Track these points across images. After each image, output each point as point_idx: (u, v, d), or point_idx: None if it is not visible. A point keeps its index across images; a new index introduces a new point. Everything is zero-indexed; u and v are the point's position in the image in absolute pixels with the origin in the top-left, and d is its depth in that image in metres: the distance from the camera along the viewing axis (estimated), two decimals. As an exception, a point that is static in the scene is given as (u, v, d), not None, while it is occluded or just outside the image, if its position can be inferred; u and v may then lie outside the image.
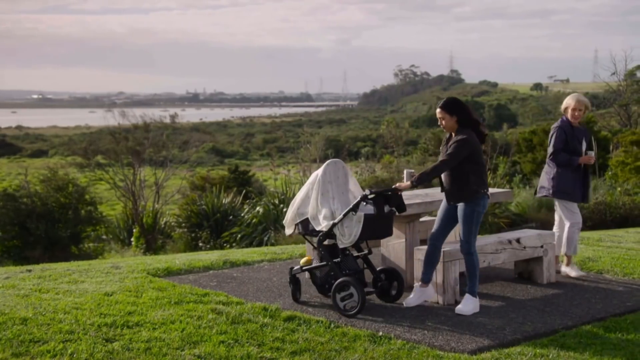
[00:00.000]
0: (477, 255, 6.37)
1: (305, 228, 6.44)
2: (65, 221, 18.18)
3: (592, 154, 7.48)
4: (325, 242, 6.32)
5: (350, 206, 6.18)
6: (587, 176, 7.65)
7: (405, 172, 6.70)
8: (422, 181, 6.23)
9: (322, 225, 6.26)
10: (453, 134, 6.33)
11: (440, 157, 6.35)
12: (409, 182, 6.29)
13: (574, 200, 7.49)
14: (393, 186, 6.31)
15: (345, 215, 6.14)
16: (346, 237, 6.17)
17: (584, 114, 7.52)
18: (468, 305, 6.23)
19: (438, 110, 6.31)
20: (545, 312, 6.31)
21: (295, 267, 6.64)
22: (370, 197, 6.21)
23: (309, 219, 6.35)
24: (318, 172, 6.41)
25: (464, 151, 6.14)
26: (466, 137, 6.17)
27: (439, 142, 27.96)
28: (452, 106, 6.28)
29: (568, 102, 7.56)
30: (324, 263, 6.40)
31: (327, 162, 6.49)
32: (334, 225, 6.18)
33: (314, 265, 6.52)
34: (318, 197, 6.30)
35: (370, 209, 6.25)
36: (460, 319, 6.06)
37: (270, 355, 5.03)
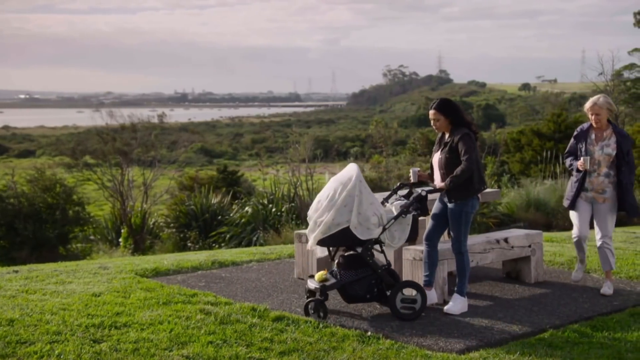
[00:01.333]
0: (468, 255, 6.38)
1: (342, 239, 5.99)
2: (53, 222, 18.09)
3: (584, 159, 6.92)
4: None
5: (403, 208, 6.08)
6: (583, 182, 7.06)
7: (411, 170, 6.62)
8: (456, 184, 6.19)
9: (375, 232, 5.99)
10: (446, 134, 6.35)
11: (438, 156, 6.36)
12: (443, 184, 6.25)
13: (566, 207, 7.21)
14: (438, 187, 6.27)
15: (396, 218, 6.06)
16: (396, 241, 6.07)
17: (603, 116, 6.87)
18: (457, 305, 6.24)
19: (432, 111, 6.32)
20: (533, 311, 6.33)
21: (329, 283, 6.00)
22: (424, 195, 6.18)
23: (351, 228, 5.90)
24: (349, 177, 5.99)
25: (473, 144, 6.22)
26: (468, 131, 6.25)
27: (427, 142, 28.03)
28: (446, 107, 6.31)
29: (585, 106, 7.15)
30: (367, 272, 6.04)
31: (353, 165, 6.19)
32: (384, 230, 6.03)
33: (359, 276, 6.03)
34: (362, 203, 5.93)
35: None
36: (448, 319, 6.07)
37: (259, 356, 5.02)
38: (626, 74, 46.56)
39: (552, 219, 15.23)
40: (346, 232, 5.90)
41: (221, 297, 6.58)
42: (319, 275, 6.06)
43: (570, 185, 7.08)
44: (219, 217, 16.62)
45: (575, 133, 7.09)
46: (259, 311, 6.07)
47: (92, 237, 19.64)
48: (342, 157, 41.26)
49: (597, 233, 6.92)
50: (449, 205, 6.30)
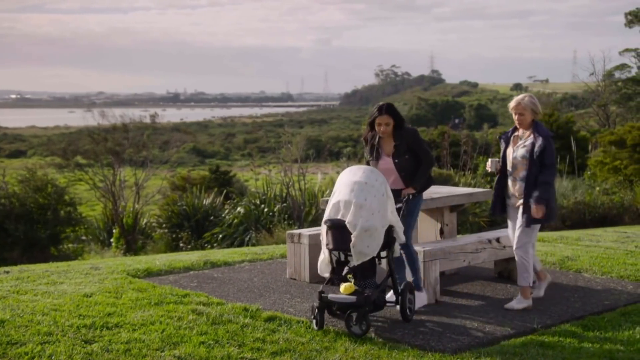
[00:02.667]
0: (413, 247, 6.42)
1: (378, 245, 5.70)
2: (44, 222, 18.01)
3: (490, 161, 6.64)
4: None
5: (401, 205, 6.11)
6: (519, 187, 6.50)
7: (490, 160, 6.60)
8: (423, 185, 6.35)
9: (401, 233, 5.90)
10: (387, 137, 6.32)
11: (393, 161, 6.29)
12: (412, 188, 6.25)
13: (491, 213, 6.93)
14: (407, 192, 6.24)
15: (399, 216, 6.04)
16: (401, 237, 5.96)
17: (526, 117, 6.44)
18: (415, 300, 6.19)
19: (385, 116, 6.21)
20: (524, 310, 6.34)
21: (369, 293, 5.59)
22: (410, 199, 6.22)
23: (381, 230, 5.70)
24: (376, 179, 5.76)
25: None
26: (415, 128, 6.49)
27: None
28: (394, 110, 6.32)
29: (509, 105, 6.73)
30: (386, 277, 5.87)
31: (371, 168, 6.00)
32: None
33: (381, 282, 5.76)
34: (389, 205, 5.77)
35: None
36: (440, 319, 6.08)
37: (251, 356, 5.02)
38: (617, 74, 46.83)
39: (543, 218, 15.24)
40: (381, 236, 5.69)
41: (213, 298, 6.57)
42: (347, 287, 5.59)
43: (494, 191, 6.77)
44: (211, 218, 16.60)
45: (501, 136, 6.77)
46: (251, 311, 6.06)
47: (83, 238, 19.57)
48: (335, 157, 41.28)
49: (514, 242, 6.51)
50: (410, 201, 6.26)
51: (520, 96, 6.58)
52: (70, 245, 18.77)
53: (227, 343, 5.24)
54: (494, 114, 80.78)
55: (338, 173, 20.28)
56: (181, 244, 16.27)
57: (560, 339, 5.57)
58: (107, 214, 20.21)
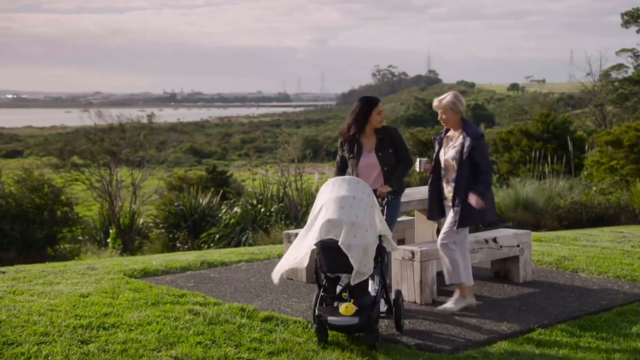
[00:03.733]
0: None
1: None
2: (41, 222, 17.99)
3: (419, 161, 6.47)
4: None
5: (382, 208, 5.98)
6: (448, 189, 6.37)
7: (418, 160, 6.48)
8: (400, 185, 6.31)
9: (392, 241, 5.73)
10: (369, 134, 6.30)
11: (375, 156, 6.23)
12: (387, 186, 6.16)
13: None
14: (385, 190, 6.11)
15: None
16: (393, 245, 5.75)
17: (448, 117, 6.33)
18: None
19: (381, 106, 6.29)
20: (521, 310, 6.35)
21: (378, 312, 5.37)
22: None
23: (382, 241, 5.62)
24: (363, 190, 5.49)
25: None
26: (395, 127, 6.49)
27: (417, 142, 28.07)
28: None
29: (433, 104, 6.57)
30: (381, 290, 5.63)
31: (357, 180, 5.67)
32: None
33: (378, 294, 5.52)
34: (377, 215, 5.57)
35: None
36: (437, 318, 6.08)
37: (248, 356, 5.02)
38: (614, 74, 46.90)
39: (540, 218, 15.28)
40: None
41: (210, 298, 6.56)
42: (347, 309, 5.20)
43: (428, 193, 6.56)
44: (208, 218, 16.59)
45: (435, 137, 6.62)
46: (247, 311, 6.06)
47: (80, 238, 19.56)
48: (332, 157, 41.25)
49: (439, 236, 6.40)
50: (390, 203, 6.18)
51: (443, 95, 6.43)
52: (66, 245, 18.76)
53: (224, 343, 5.23)
54: (491, 114, 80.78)
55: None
56: (178, 244, 16.27)
57: (557, 338, 5.57)
58: (104, 214, 20.20)
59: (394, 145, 6.27)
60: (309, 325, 5.72)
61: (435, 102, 6.40)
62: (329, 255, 5.35)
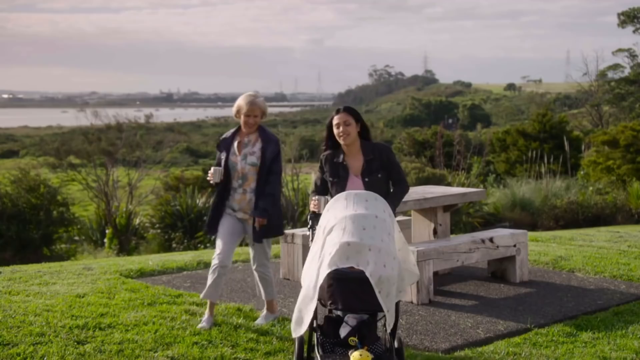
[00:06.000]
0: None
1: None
2: (37, 222, 17.94)
3: (214, 170, 5.71)
4: None
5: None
6: (224, 200, 5.80)
7: (213, 169, 5.71)
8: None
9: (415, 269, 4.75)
10: (354, 151, 5.30)
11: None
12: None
13: (206, 234, 6.35)
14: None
15: None
16: (415, 272, 4.83)
17: (258, 120, 5.75)
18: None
19: (343, 114, 5.26)
20: (518, 310, 6.35)
21: None
22: None
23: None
24: (384, 209, 4.50)
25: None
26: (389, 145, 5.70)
27: (413, 142, 28.09)
28: (355, 111, 5.36)
29: (239, 103, 5.80)
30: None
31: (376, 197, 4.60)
32: None
33: (392, 337, 4.40)
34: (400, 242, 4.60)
35: None
36: (434, 319, 6.08)
37: (245, 356, 5.01)
38: (610, 74, 47.02)
39: (537, 218, 15.31)
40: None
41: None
42: (362, 356, 4.10)
43: (212, 205, 5.89)
44: (205, 218, 16.56)
45: (218, 143, 5.96)
46: (244, 311, 6.05)
47: (76, 238, 19.50)
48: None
49: (254, 260, 5.83)
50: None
51: (251, 95, 5.76)
52: (63, 245, 18.71)
53: (221, 343, 5.22)
54: (487, 114, 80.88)
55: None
56: (174, 244, 16.23)
57: (554, 338, 5.57)
58: (100, 214, 20.15)
59: (385, 168, 5.23)
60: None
61: (246, 104, 5.67)
62: (347, 289, 4.21)
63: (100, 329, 5.43)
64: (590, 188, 17.01)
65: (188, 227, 16.47)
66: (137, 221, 19.53)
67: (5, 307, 5.94)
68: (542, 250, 9.04)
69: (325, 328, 4.41)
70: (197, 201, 17.35)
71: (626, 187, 16.95)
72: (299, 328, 4.29)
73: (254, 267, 5.89)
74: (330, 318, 4.44)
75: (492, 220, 15.45)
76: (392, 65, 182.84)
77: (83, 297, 6.37)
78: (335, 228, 4.32)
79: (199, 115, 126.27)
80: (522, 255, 7.44)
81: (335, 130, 5.22)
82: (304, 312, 4.26)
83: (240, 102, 5.74)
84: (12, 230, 17.34)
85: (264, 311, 5.99)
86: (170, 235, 16.67)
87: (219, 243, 5.73)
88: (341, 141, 5.20)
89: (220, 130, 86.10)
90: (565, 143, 19.98)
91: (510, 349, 5.28)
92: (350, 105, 5.44)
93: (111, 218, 19.20)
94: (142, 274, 7.69)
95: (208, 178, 5.71)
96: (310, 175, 20.97)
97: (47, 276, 7.38)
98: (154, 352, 4.99)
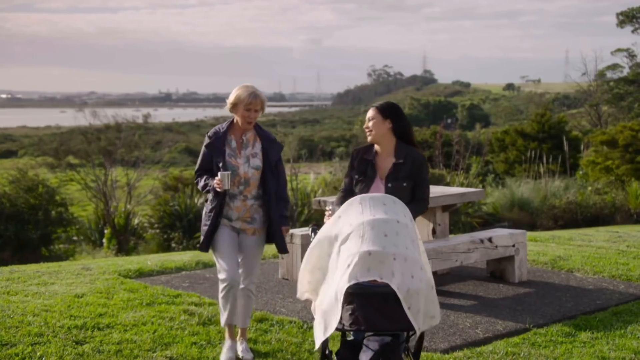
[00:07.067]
0: None
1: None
2: (36, 222, 17.93)
3: (222, 175, 4.82)
4: None
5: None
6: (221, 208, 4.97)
7: (221, 174, 4.84)
8: None
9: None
10: (385, 153, 5.01)
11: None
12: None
13: (200, 249, 5.15)
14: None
15: None
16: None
17: (257, 114, 5.03)
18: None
19: (373, 111, 5.02)
20: (516, 310, 6.35)
21: None
22: None
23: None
24: (404, 214, 3.92)
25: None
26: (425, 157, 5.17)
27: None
28: (396, 110, 5.06)
29: (238, 94, 5.00)
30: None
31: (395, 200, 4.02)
32: None
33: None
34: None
35: None
36: (433, 318, 6.07)
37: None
38: (609, 74, 47.02)
39: (536, 218, 15.31)
40: None
41: (205, 298, 6.55)
42: None
43: (204, 217, 5.05)
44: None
45: (206, 141, 5.04)
46: (243, 312, 6.04)
47: (75, 238, 19.49)
48: (327, 157, 41.26)
49: (243, 275, 5.05)
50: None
51: (250, 87, 5.01)
52: (61, 245, 18.70)
53: (219, 343, 5.22)
54: (486, 114, 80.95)
55: (331, 173, 20.25)
56: (173, 244, 16.22)
57: (553, 338, 5.57)
58: (99, 214, 20.14)
59: (412, 178, 4.82)
60: (305, 326, 5.70)
61: (246, 96, 4.94)
62: (371, 306, 3.57)
63: (98, 329, 5.43)
64: (589, 188, 17.01)
65: (187, 227, 16.46)
66: (135, 221, 19.52)
67: (3, 307, 5.93)
68: (541, 250, 9.04)
69: (342, 354, 3.78)
70: (196, 201, 17.34)
71: (625, 187, 16.95)
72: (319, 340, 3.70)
73: (243, 285, 5.03)
74: (347, 342, 3.84)
75: (491, 220, 15.44)
76: (390, 65, 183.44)
77: (81, 297, 6.36)
78: (352, 236, 3.70)
79: (197, 115, 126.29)
80: (521, 255, 7.44)
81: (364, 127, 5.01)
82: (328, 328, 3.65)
83: (240, 92, 4.95)
84: (10, 230, 17.33)
85: (243, 342, 5.09)
86: (169, 235, 16.65)
87: (222, 262, 4.96)
88: (368, 135, 4.94)
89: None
90: (564, 143, 19.99)
91: (509, 349, 5.27)
92: (389, 102, 5.09)
93: (110, 218, 19.19)
94: (140, 274, 7.68)
95: (215, 186, 4.83)
96: (309, 175, 20.95)
97: (45, 276, 7.37)
98: (153, 352, 4.98)
